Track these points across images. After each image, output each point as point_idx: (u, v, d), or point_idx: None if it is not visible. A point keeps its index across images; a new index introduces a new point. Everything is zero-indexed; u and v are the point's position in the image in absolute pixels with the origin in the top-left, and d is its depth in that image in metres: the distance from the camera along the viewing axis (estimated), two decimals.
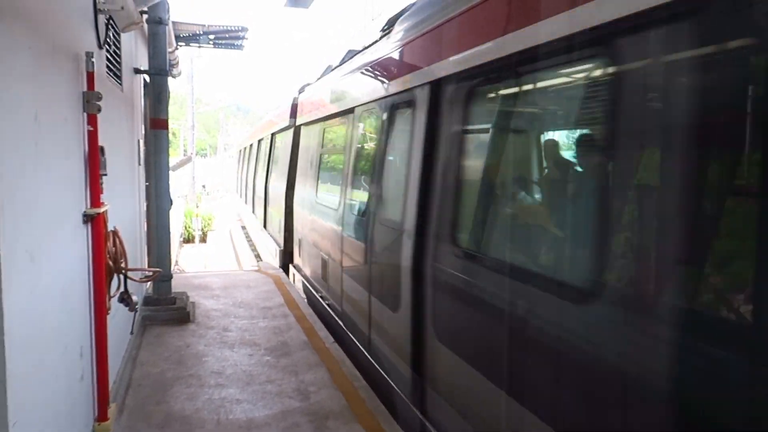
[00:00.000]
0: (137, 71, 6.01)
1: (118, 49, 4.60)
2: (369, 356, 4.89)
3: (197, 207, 30.59)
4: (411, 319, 3.85)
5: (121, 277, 3.95)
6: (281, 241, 9.89)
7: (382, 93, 4.75)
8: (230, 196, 31.18)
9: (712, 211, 1.89)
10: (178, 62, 8.93)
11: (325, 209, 6.71)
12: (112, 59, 4.32)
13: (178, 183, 28.70)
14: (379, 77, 4.91)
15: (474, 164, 3.32)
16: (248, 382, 4.72)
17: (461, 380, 3.16)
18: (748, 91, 1.72)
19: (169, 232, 6.70)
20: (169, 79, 6.64)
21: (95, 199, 3.37)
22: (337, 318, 6.06)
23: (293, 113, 9.61)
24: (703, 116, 1.83)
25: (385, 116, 4.69)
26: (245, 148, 21.29)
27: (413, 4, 4.62)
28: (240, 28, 8.46)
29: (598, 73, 2.43)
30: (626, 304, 2.06)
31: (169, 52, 6.74)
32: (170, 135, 8.71)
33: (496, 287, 2.83)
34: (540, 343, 2.49)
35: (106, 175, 3.62)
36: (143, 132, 6.70)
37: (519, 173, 3.09)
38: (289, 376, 4.84)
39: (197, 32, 8.44)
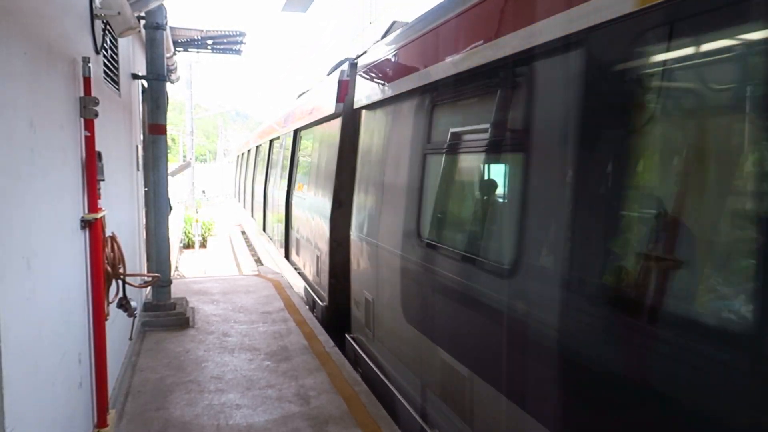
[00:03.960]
0: (135, 76, 6.01)
1: (116, 54, 4.60)
2: None
3: (197, 213, 30.56)
4: None
5: (120, 282, 3.93)
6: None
7: None
8: (231, 203, 31.05)
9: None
10: (176, 67, 8.92)
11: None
12: (109, 64, 4.32)
13: (177, 188, 28.66)
14: None
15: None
16: (248, 387, 4.70)
17: None
18: None
19: (168, 238, 6.69)
20: (168, 84, 6.64)
21: (93, 205, 3.36)
22: None
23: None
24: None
25: None
26: (244, 154, 18.74)
27: None
28: (238, 33, 8.46)
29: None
30: None
31: (167, 58, 6.74)
32: (169, 141, 8.62)
33: None
34: None
35: (103, 180, 3.61)
36: (142, 137, 6.70)
37: None
38: (289, 381, 4.83)
39: (195, 37, 8.44)
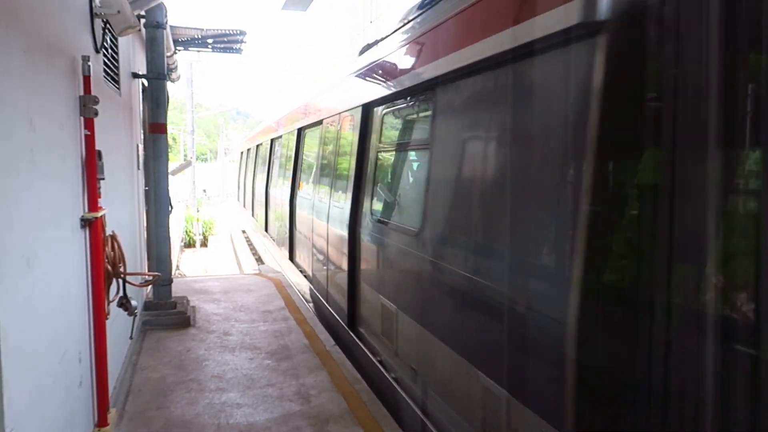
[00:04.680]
0: (135, 75, 6.00)
1: (116, 53, 4.59)
2: None
3: (198, 212, 30.60)
4: None
5: (120, 281, 3.93)
6: None
7: None
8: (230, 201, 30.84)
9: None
10: (176, 66, 8.92)
11: None
12: (109, 63, 4.31)
13: (178, 187, 28.74)
14: None
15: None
16: (249, 386, 4.70)
17: None
18: None
19: (168, 237, 6.69)
20: (168, 83, 6.64)
21: (93, 204, 3.35)
22: None
23: None
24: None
25: None
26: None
27: None
28: (238, 32, 8.45)
29: None
30: None
31: (168, 57, 6.74)
32: (170, 140, 8.47)
33: None
34: None
35: (103, 179, 3.61)
36: (142, 136, 6.69)
37: None
38: (289, 380, 4.82)
39: (195, 36, 8.43)
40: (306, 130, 8.78)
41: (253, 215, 15.39)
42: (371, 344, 5.05)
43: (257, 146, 15.02)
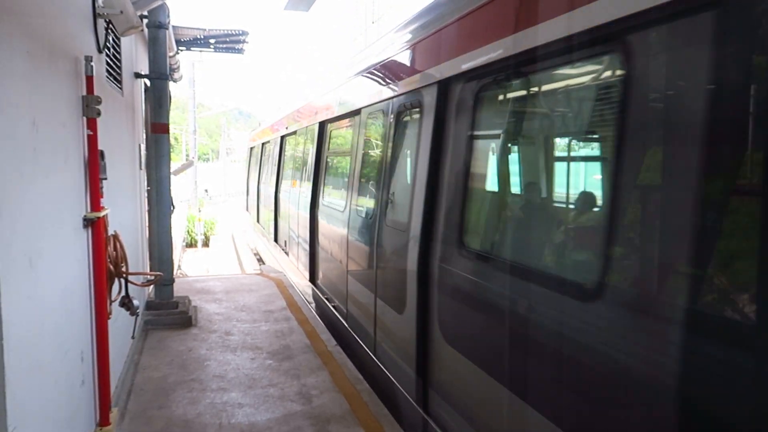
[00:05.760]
0: (138, 75, 6.01)
1: (118, 53, 4.60)
2: None
3: (200, 211, 30.65)
4: None
5: (122, 281, 3.94)
6: None
7: None
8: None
9: None
10: (179, 66, 8.94)
11: None
12: (112, 63, 4.32)
13: (180, 187, 28.78)
14: None
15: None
16: (250, 385, 4.71)
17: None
18: None
19: (170, 237, 6.70)
20: (170, 83, 6.65)
21: (95, 204, 3.37)
22: None
23: None
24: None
25: None
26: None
27: None
28: (240, 32, 8.46)
29: None
30: None
31: (170, 57, 6.75)
32: (172, 140, 8.38)
33: None
34: None
35: (106, 179, 3.62)
36: (144, 136, 6.70)
37: None
38: (291, 380, 4.83)
39: (198, 36, 8.45)
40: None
41: (276, 240, 11.02)
42: None
43: (282, 137, 10.89)
